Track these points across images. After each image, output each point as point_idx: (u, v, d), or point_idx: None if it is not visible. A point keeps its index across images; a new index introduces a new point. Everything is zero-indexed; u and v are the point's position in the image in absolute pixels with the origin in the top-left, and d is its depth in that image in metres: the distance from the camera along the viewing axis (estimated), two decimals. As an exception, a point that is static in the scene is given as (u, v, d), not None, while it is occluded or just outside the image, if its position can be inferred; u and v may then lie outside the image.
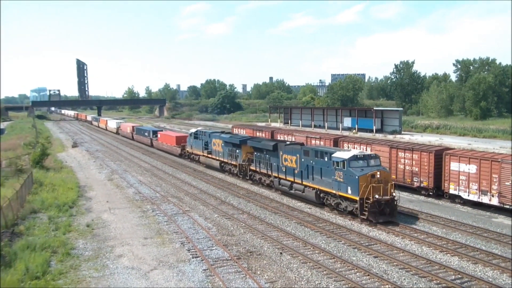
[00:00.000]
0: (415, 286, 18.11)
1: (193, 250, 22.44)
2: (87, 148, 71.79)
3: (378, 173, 26.37)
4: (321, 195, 29.97)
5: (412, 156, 33.51)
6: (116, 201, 33.74)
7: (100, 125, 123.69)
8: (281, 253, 22.08)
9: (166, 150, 62.12)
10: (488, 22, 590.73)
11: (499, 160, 27.90)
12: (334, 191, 28.26)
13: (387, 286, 18.13)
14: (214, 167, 46.52)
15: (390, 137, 71.58)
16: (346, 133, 77.98)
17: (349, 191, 26.79)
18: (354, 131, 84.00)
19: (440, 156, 31.88)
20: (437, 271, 19.64)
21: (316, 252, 22.26)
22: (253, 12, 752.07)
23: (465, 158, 29.89)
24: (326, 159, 28.86)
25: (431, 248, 22.42)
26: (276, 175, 34.90)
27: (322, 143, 43.62)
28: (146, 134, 73.04)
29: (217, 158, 45.16)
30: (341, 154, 27.71)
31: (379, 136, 73.00)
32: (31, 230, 25.12)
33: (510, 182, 27.04)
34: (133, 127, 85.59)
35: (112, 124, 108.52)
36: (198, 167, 49.73)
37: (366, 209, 26.04)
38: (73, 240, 24.13)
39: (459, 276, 18.98)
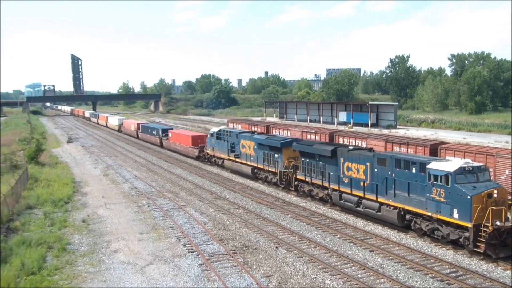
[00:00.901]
0: (410, 280, 18.20)
1: (189, 245, 22.46)
2: (82, 143, 71.60)
3: (496, 191, 20.40)
4: (407, 216, 23.49)
5: (408, 150, 33.57)
6: (111, 197, 33.69)
7: (99, 121, 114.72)
8: (276, 247, 22.12)
9: (179, 152, 55.02)
10: (483, 15, 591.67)
11: (494, 154, 28.00)
12: (429, 213, 21.87)
13: (382, 279, 18.22)
14: (244, 174, 39.65)
15: (386, 131, 71.77)
16: (341, 127, 78.09)
17: (455, 215, 20.57)
18: (349, 125, 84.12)
19: (435, 150, 31.94)
20: (433, 264, 19.75)
21: (312, 246, 22.32)
22: (248, 5, 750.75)
23: (460, 152, 29.95)
24: (414, 171, 22.72)
25: (426, 242, 22.52)
26: (336, 187, 28.19)
27: (317, 137, 43.63)
28: (154, 132, 65.54)
29: (248, 163, 38.33)
30: (442, 166, 21.49)
31: (375, 130, 73.17)
32: (27, 226, 25.09)
33: (505, 176, 27.15)
34: (138, 124, 77.16)
35: (113, 120, 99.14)
36: (223, 172, 47.67)
37: (483, 240, 19.64)
38: (68, 235, 24.11)
39: (454, 270, 19.08)
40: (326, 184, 29.40)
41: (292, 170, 32.96)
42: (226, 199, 32.48)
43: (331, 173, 28.74)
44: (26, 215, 27.18)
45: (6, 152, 47.90)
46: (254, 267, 19.72)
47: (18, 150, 51.33)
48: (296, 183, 32.59)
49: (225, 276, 18.60)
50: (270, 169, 35.41)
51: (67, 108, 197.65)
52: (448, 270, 19.06)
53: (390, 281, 17.97)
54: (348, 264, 19.93)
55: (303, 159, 31.47)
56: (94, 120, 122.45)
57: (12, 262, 19.18)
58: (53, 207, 29.26)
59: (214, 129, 45.58)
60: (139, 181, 39.40)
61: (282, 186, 34.34)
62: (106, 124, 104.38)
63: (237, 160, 40.13)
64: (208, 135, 46.96)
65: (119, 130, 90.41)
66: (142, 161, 51.77)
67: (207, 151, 47.25)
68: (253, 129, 56.47)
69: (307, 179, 31.16)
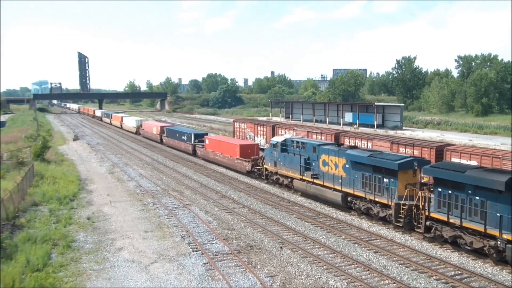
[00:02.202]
0: (414, 282, 18.15)
1: (193, 244, 22.50)
2: (88, 141, 71.85)
3: None
4: None
5: (413, 152, 33.47)
6: (116, 194, 33.79)
7: (113, 122, 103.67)
8: (281, 247, 22.12)
9: (221, 164, 45.54)
10: (490, 17, 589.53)
11: (500, 156, 27.90)
12: None
13: (387, 281, 18.18)
14: (328, 201, 29.89)
15: (391, 132, 71.59)
16: (347, 128, 77.95)
17: None
18: (355, 126, 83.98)
19: (441, 152, 31.83)
20: (437, 266, 19.68)
21: (316, 246, 22.30)
22: (254, 6, 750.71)
23: (466, 154, 29.86)
24: None
25: (431, 244, 22.44)
26: None
27: (323, 137, 43.54)
28: (185, 138, 55.64)
29: (336, 187, 28.62)
30: None
31: (380, 131, 73.01)
32: (32, 223, 25.21)
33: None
34: (162, 127, 66.98)
35: (130, 122, 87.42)
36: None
37: None
38: (73, 232, 24.20)
39: (459, 272, 19.01)
40: (492, 232, 19.54)
41: (415, 203, 23.47)
42: (231, 198, 32.50)
43: (504, 215, 19.20)
44: (32, 212, 27.32)
45: (13, 149, 48.19)
46: (259, 266, 19.73)
47: (24, 147, 51.61)
48: (428, 223, 22.51)
49: (229, 275, 18.62)
50: (377, 199, 25.62)
51: (75, 106, 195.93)
52: (453, 272, 18.99)
53: (394, 283, 17.93)
54: (353, 265, 19.89)
55: (440, 189, 22.05)
56: (107, 120, 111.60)
57: (17, 258, 19.30)
58: (59, 204, 29.38)
59: (277, 138, 36.23)
60: (144, 180, 39.49)
61: (399, 224, 24.14)
62: (121, 125, 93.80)
63: (316, 181, 30.54)
64: (269, 145, 37.68)
65: (137, 133, 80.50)
66: (147, 159, 51.87)
67: (265, 166, 37.24)
68: (259, 129, 56.10)
69: (451, 220, 21.24)
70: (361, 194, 26.71)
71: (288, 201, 31.58)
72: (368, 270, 19.27)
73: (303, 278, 18.50)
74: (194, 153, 53.27)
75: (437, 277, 18.44)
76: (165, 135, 64.43)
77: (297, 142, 33.10)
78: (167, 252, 21.43)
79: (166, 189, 35.41)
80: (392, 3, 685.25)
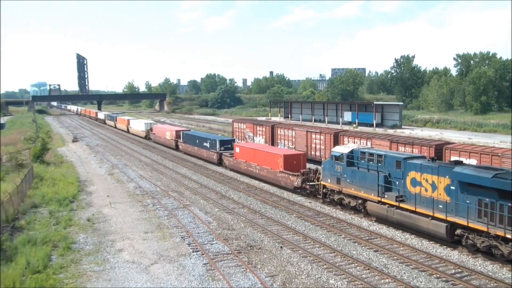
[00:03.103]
0: (415, 280, 18.16)
1: (193, 244, 22.50)
2: (87, 142, 71.80)
3: None
4: None
5: (413, 150, 33.51)
6: (116, 196, 33.78)
7: (117, 125, 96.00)
8: (281, 247, 22.12)
9: (257, 177, 38.39)
10: (489, 16, 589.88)
11: (499, 154, 27.95)
12: None
13: (387, 280, 18.19)
14: (423, 231, 22.88)
15: (391, 131, 71.63)
16: (346, 127, 77.96)
17: None
18: (354, 125, 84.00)
19: (440, 150, 31.89)
20: (437, 265, 19.68)
21: (316, 246, 22.30)
22: (253, 5, 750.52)
23: (465, 152, 29.92)
24: None
25: (431, 242, 22.44)
26: None
27: (322, 137, 43.53)
28: (207, 145, 48.59)
29: (437, 214, 21.69)
30: None
31: (380, 130, 73.04)
32: (32, 225, 25.22)
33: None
34: (177, 132, 59.32)
35: (138, 125, 79.65)
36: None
37: None
38: (73, 234, 24.20)
39: (459, 270, 19.01)
40: None
41: None
42: (230, 198, 32.50)
43: None
44: (32, 214, 27.32)
45: (12, 151, 48.14)
46: (259, 266, 19.73)
47: (23, 149, 51.56)
48: None
49: (229, 275, 18.62)
50: (508, 236, 18.72)
51: (75, 108, 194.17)
52: (453, 271, 19.00)
53: (394, 281, 17.93)
54: (353, 264, 19.90)
55: None
56: (111, 123, 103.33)
57: (18, 260, 19.31)
58: (58, 206, 29.38)
59: (342, 149, 29.02)
60: (144, 181, 39.48)
61: None
62: (128, 129, 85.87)
63: (404, 206, 23.62)
64: (329, 158, 29.69)
65: (147, 137, 73.47)
66: (147, 160, 51.85)
67: (323, 182, 30.09)
68: (258, 129, 56.03)
69: None
70: (481, 227, 19.75)
71: (288, 200, 31.58)
72: (368, 269, 19.28)
73: (304, 278, 18.51)
74: (220, 163, 46.31)
75: (438, 276, 18.45)
76: (181, 140, 57.18)
77: (371, 154, 26.28)
78: (167, 253, 21.44)
79: (165, 190, 35.41)
80: (391, 3, 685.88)
